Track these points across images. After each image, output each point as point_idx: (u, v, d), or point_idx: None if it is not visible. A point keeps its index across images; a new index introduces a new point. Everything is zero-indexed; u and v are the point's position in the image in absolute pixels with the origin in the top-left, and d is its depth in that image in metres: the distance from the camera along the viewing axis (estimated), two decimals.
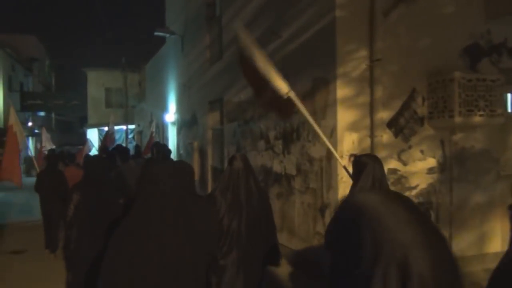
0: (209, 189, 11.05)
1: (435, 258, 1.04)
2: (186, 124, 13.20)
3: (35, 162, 10.39)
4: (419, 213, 1.15)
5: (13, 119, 9.15)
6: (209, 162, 11.17)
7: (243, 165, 3.76)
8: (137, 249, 2.01)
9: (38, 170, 8.71)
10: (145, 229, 2.05)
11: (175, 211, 2.11)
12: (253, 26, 8.11)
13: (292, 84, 4.40)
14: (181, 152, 13.78)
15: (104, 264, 2.01)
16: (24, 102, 30.15)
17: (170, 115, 15.07)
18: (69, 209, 3.91)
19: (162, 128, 16.79)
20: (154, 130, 19.28)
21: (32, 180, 25.09)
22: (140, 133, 23.33)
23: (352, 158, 5.79)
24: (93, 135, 30.10)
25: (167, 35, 13.60)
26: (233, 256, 3.50)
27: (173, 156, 15.15)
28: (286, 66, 6.50)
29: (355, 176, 3.69)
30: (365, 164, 3.60)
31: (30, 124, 32.47)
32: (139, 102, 27.31)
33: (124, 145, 20.01)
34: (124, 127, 28.40)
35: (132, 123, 27.84)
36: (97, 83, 29.90)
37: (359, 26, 5.79)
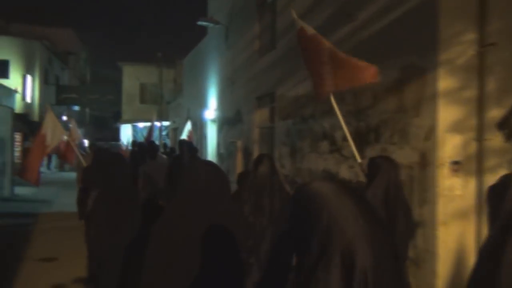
0: None
1: (378, 252, 1.12)
2: (228, 122, 12.23)
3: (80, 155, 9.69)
4: (368, 207, 1.22)
5: (49, 119, 8.48)
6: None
7: (269, 168, 3.69)
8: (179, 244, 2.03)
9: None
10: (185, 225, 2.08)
11: (211, 209, 2.13)
12: (320, 8, 7.04)
13: None
14: (222, 151, 12.83)
15: (149, 255, 2.05)
16: (59, 96, 30.02)
17: (210, 112, 14.15)
18: (87, 204, 3.96)
19: (200, 125, 15.90)
20: (191, 128, 18.40)
21: (64, 175, 24.27)
22: (175, 130, 22.55)
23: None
24: (126, 131, 29.67)
25: (211, 25, 12.66)
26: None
27: (213, 155, 14.25)
28: (362, 52, 5.40)
29: (369, 179, 3.56)
30: (379, 167, 3.49)
31: (64, 118, 32.33)
32: (175, 98, 26.64)
33: (157, 142, 19.39)
34: (157, 123, 27.81)
35: (166, 120, 27.20)
36: (132, 78, 29.42)
37: (467, 2, 4.66)
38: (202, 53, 16.06)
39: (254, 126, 10.16)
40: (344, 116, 6.24)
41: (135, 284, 2.26)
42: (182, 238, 2.02)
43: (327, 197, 1.19)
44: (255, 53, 10.28)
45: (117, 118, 32.94)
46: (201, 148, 15.67)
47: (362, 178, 5.95)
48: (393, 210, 3.41)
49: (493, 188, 1.86)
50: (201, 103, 15.48)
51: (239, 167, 11.06)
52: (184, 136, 17.73)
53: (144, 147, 8.88)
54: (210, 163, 2.46)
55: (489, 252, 1.65)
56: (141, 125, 29.07)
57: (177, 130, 21.14)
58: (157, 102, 29.18)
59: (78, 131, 13.07)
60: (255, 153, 10.10)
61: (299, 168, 7.70)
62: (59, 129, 8.89)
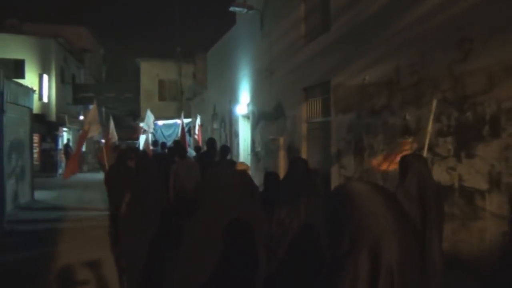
0: None
1: (405, 250, 1.16)
2: (266, 117, 11.10)
3: (105, 155, 9.97)
4: (399, 207, 1.26)
5: (93, 113, 9.71)
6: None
7: (304, 171, 3.77)
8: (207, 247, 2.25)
9: (106, 164, 8.96)
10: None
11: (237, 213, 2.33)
12: None
13: None
14: (258, 149, 11.71)
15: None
16: (76, 95, 29.18)
17: (242, 107, 13.03)
18: (121, 207, 4.11)
19: (229, 121, 14.79)
20: (199, 123, 17.13)
21: (83, 177, 23.05)
22: (200, 127, 21.47)
23: None
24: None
25: (244, 11, 11.51)
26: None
27: (246, 154, 13.14)
28: (471, 22, 4.26)
29: (401, 177, 3.59)
30: (409, 165, 3.56)
31: (81, 117, 31.52)
32: (195, 94, 25.58)
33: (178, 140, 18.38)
34: (178, 121, 26.79)
35: (187, 117, 26.17)
36: (150, 75, 28.40)
37: None
38: (229, 44, 14.93)
39: (301, 121, 9.01)
40: (436, 106, 5.10)
41: (161, 276, 2.74)
42: (210, 234, 2.24)
43: (359, 195, 1.27)
44: (301, 38, 9.12)
45: (135, 117, 32.01)
46: (232, 146, 14.57)
47: (467, 183, 4.79)
48: (427, 208, 3.36)
49: None
50: (231, 98, 14.36)
51: (282, 166, 9.95)
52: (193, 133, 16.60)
53: (172, 147, 9.37)
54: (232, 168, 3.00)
55: None
56: (160, 123, 28.06)
57: (202, 127, 20.07)
58: (176, 99, 28.20)
59: (114, 132, 12.46)
60: (304, 151, 8.97)
61: (368, 169, 6.55)
62: (96, 124, 10.03)
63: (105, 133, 12.17)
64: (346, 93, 7.24)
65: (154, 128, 29.50)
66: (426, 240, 3.29)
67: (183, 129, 17.14)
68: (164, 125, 28.67)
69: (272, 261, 3.19)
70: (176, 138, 20.09)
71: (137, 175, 4.24)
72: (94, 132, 10.34)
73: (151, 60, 28.80)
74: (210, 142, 9.10)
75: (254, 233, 2.32)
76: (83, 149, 32.01)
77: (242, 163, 6.17)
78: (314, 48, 8.47)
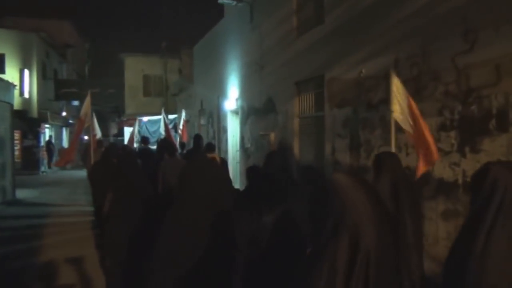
0: None
1: (382, 235, 1.33)
2: (256, 112, 10.85)
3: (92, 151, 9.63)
4: (378, 197, 1.45)
5: (87, 104, 9.64)
6: (295, 158, 8.80)
7: (277, 163, 4.32)
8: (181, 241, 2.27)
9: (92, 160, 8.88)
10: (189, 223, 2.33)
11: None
12: None
13: None
14: (248, 145, 11.46)
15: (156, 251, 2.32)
16: (58, 90, 28.49)
17: (231, 102, 12.76)
18: (105, 205, 4.18)
19: (218, 117, 14.51)
20: (202, 122, 17.04)
21: (66, 174, 22.64)
22: (185, 123, 21.11)
23: None
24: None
25: (233, 3, 11.23)
26: None
27: (235, 150, 12.88)
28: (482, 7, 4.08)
29: (376, 174, 3.55)
30: (382, 163, 3.56)
31: (64, 114, 30.86)
32: (181, 90, 25.20)
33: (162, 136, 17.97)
34: (163, 116, 26.37)
35: (172, 113, 25.78)
36: (135, 70, 27.93)
37: None
38: (217, 38, 14.62)
39: (293, 116, 8.79)
40: (438, 100, 4.92)
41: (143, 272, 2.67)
42: (186, 230, 2.29)
43: (342, 186, 1.44)
44: (293, 31, 8.89)
45: (120, 113, 31.50)
46: (220, 142, 14.31)
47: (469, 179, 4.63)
48: (400, 208, 3.34)
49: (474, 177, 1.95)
50: (219, 93, 14.08)
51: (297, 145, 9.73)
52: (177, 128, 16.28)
53: (161, 145, 9.10)
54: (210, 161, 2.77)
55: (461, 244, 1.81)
56: (145, 119, 27.62)
57: (188, 123, 19.74)
58: (162, 95, 27.76)
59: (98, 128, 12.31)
60: (296, 146, 8.76)
61: (366, 165, 6.36)
62: (89, 116, 9.84)
63: (90, 129, 11.82)
64: (341, 87, 7.03)
65: (139, 124, 29.11)
66: (400, 241, 3.24)
67: (166, 125, 16.79)
68: (149, 121, 28.21)
69: (252, 252, 3.12)
70: (162, 135, 19.78)
71: (119, 173, 4.20)
72: (88, 123, 10.01)
73: (136, 55, 28.34)
74: (196, 138, 9.16)
75: (229, 220, 2.41)
76: (66, 145, 31.43)
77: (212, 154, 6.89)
78: (306, 41, 8.25)
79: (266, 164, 4.52)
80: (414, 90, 5.38)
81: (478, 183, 1.97)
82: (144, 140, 14.35)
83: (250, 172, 4.55)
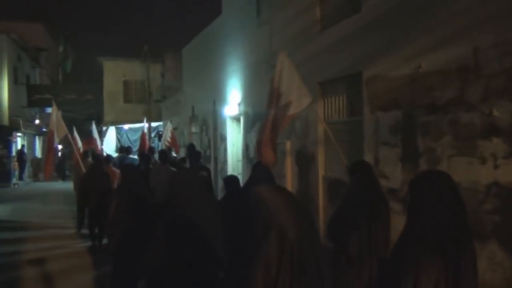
0: (321, 208, 7.55)
1: (301, 229, 1.70)
2: (264, 118, 9.62)
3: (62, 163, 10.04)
4: (294, 200, 1.82)
5: (53, 119, 9.56)
6: (320, 170, 7.62)
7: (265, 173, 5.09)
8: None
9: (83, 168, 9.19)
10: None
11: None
12: None
13: None
14: (253, 155, 10.22)
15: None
16: (31, 96, 26.63)
17: (231, 107, 11.52)
18: (110, 210, 4.50)
19: (214, 124, 13.23)
20: (171, 130, 15.56)
21: (40, 186, 20.87)
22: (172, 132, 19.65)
23: None
24: (110, 134, 26.54)
25: None
26: None
27: (236, 160, 11.64)
28: None
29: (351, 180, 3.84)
30: (353, 171, 3.86)
31: (37, 121, 28.93)
32: (166, 95, 23.78)
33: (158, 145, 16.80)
34: (145, 124, 24.86)
35: (156, 120, 24.31)
36: (115, 75, 26.31)
37: None
38: (212, 37, 13.38)
39: (316, 122, 7.61)
40: None
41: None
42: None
43: (265, 195, 1.80)
44: (315, 24, 7.74)
45: (99, 121, 29.76)
46: (217, 152, 13.03)
47: None
48: (369, 214, 3.51)
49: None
50: (215, 98, 12.82)
51: (289, 175, 8.54)
52: (164, 139, 15.32)
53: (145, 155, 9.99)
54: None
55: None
56: (126, 126, 26.03)
57: (177, 130, 18.36)
58: (143, 101, 26.21)
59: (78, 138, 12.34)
60: (320, 157, 7.59)
61: None
62: (61, 126, 9.61)
63: (72, 140, 10.78)
64: (388, 86, 5.89)
65: (119, 132, 27.48)
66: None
67: (143, 134, 15.62)
68: (130, 129, 26.59)
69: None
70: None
71: (124, 182, 4.74)
72: (61, 134, 9.78)
73: (115, 59, 26.76)
74: (191, 148, 10.03)
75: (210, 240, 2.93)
76: (39, 155, 29.44)
77: None
78: (335, 34, 7.11)
79: (253, 172, 5.09)
80: (505, 86, 4.28)
81: (414, 189, 2.34)
82: (127, 149, 13.10)
83: (228, 183, 5.09)
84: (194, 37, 15.67)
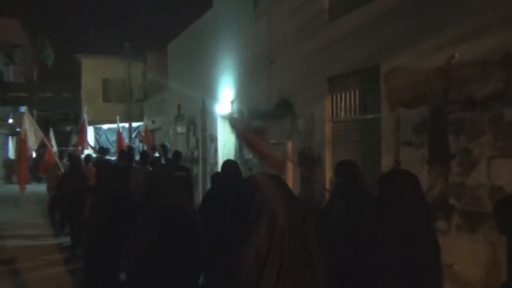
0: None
1: (290, 213, 1.86)
2: (262, 117, 8.99)
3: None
4: (287, 188, 2.02)
5: (26, 123, 9.24)
6: (327, 173, 7.02)
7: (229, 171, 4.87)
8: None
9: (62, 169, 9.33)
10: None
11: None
12: None
13: None
14: (249, 156, 9.56)
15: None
16: (5, 94, 25.40)
17: (223, 105, 10.85)
18: (84, 211, 4.64)
19: (202, 124, 12.52)
20: (179, 130, 15.11)
21: (13, 189, 19.80)
22: (154, 131, 18.83)
23: None
24: (88, 134, 25.45)
25: None
26: None
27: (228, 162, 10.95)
28: None
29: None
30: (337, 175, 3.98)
31: (10, 121, 27.60)
32: (147, 95, 22.91)
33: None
34: (126, 125, 23.91)
35: (138, 121, 23.42)
36: (94, 73, 25.32)
37: None
38: (201, 33, 12.67)
39: (323, 120, 7.03)
40: None
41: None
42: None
43: (259, 182, 1.95)
44: (323, 14, 7.15)
45: (77, 120, 28.59)
46: (205, 153, 12.33)
47: None
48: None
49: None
50: (204, 96, 12.13)
51: (291, 178, 7.92)
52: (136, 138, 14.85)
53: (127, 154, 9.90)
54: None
55: None
56: (105, 126, 25.02)
57: (160, 130, 17.57)
58: (124, 100, 25.26)
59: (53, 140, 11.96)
60: (328, 158, 7.00)
61: (458, 184, 4.67)
62: (38, 132, 9.41)
63: (48, 141, 10.37)
64: (412, 80, 5.33)
65: (98, 133, 26.44)
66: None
67: (119, 133, 15.09)
68: (109, 129, 25.57)
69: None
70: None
71: (99, 180, 4.75)
72: (36, 142, 9.58)
73: (94, 57, 25.75)
74: (163, 148, 10.41)
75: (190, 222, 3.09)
76: (12, 157, 28.06)
77: None
78: (346, 24, 6.53)
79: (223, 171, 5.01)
80: None
81: (380, 187, 2.66)
82: (104, 151, 12.76)
83: (213, 179, 5.25)
84: (180, 32, 14.93)
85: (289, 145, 7.98)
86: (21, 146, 9.21)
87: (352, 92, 6.55)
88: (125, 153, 10.21)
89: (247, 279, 1.78)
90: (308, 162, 7.48)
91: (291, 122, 7.95)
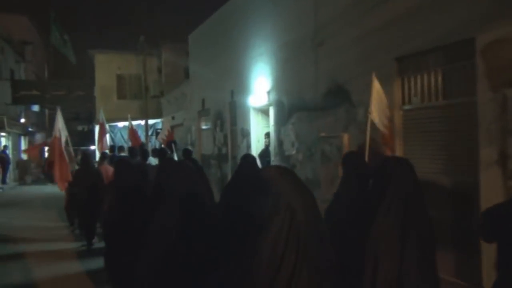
0: None
1: (306, 205, 1.87)
2: (307, 107, 8.02)
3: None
4: (299, 181, 1.98)
5: (59, 122, 9.49)
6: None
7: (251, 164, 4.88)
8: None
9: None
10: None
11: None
12: None
13: None
14: (292, 152, 8.58)
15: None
16: (16, 93, 24.60)
17: (257, 97, 9.88)
18: (103, 208, 4.75)
19: (231, 118, 11.56)
20: (203, 126, 14.18)
21: (26, 190, 18.95)
22: (173, 128, 17.89)
23: None
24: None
25: None
26: None
27: (266, 160, 9.99)
28: None
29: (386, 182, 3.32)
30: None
31: (23, 120, 26.89)
32: (164, 90, 22.02)
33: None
34: (142, 122, 23.03)
35: (154, 117, 22.54)
36: (107, 69, 24.45)
37: None
38: (229, 19, 11.69)
39: (394, 107, 6.01)
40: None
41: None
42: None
43: (275, 177, 1.94)
44: None
45: (91, 119, 27.82)
46: (235, 149, 11.37)
47: None
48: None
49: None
50: (234, 88, 11.17)
51: None
52: (161, 136, 14.07)
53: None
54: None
55: None
56: (120, 124, 24.15)
57: (181, 127, 16.65)
58: (139, 97, 24.40)
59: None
60: (399, 150, 6.02)
61: None
62: (64, 130, 9.58)
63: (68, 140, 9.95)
64: None
65: (112, 131, 25.58)
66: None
67: (132, 130, 14.32)
68: (124, 127, 24.72)
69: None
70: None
71: (121, 177, 4.74)
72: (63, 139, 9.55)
73: (108, 52, 24.89)
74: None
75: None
76: (25, 157, 27.34)
77: None
78: None
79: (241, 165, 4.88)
80: None
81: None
82: (119, 148, 12.24)
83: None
84: (201, 22, 13.96)
85: (345, 138, 6.99)
86: (55, 144, 9.13)
87: (433, 73, 5.53)
88: (136, 150, 9.83)
89: (265, 273, 1.78)
90: (371, 157, 6.48)
91: (347, 112, 6.96)
